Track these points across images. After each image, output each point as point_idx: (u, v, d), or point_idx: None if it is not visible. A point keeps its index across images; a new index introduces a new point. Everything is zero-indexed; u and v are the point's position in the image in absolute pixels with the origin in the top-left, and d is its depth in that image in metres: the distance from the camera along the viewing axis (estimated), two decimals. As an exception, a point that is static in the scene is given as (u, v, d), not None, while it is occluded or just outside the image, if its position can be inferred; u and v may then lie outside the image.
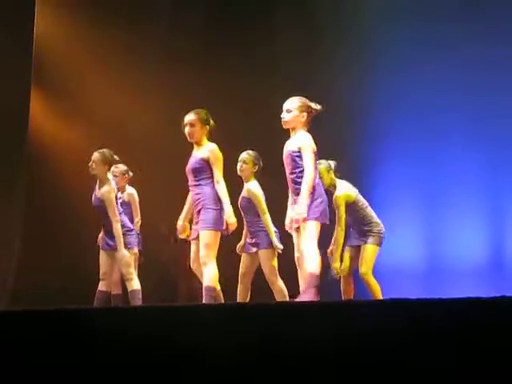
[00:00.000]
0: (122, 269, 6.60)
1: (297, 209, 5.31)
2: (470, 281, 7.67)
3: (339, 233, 6.30)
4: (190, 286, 8.88)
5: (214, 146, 5.86)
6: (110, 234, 6.56)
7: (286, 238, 6.09)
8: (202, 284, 5.81)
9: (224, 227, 5.72)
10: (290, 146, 5.49)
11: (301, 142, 5.42)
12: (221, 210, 5.73)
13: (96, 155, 6.62)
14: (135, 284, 6.54)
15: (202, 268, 5.76)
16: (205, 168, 5.80)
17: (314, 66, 8.88)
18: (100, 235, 6.75)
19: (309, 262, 5.23)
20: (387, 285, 6.50)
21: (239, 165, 6.45)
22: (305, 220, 5.26)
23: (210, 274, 5.68)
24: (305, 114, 5.50)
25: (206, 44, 9.23)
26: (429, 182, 8.34)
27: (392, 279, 7.43)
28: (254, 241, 6.39)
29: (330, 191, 6.21)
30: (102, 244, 6.69)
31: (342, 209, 6.28)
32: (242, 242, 6.51)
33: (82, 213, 7.86)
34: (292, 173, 5.44)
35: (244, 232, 6.49)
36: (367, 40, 8.69)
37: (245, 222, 6.46)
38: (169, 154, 8.62)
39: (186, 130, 5.87)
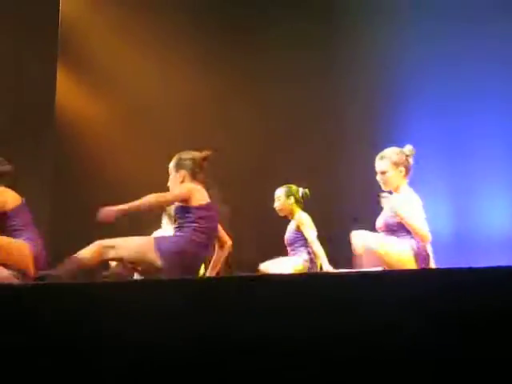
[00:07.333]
0: None
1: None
2: (501, 252, 7.53)
3: None
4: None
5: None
6: None
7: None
8: None
9: None
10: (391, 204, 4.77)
11: (399, 205, 4.72)
12: None
13: None
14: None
15: None
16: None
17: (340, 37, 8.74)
18: None
19: None
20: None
21: (275, 204, 6.37)
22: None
23: None
24: (402, 168, 4.79)
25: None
26: (457, 153, 8.23)
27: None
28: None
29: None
30: None
31: None
32: None
33: (107, 187, 7.86)
34: None
35: None
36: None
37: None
38: (197, 128, 8.55)
39: None
